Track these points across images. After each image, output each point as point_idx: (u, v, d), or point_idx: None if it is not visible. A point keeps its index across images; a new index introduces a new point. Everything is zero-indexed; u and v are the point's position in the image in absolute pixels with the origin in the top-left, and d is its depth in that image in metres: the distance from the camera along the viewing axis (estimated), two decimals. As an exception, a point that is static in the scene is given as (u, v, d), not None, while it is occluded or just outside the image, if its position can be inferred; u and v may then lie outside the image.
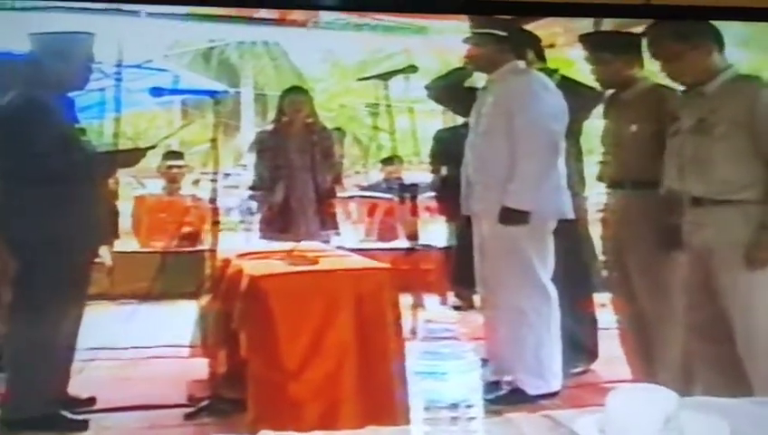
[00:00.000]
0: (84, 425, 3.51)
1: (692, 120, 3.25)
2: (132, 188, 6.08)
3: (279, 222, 4.98)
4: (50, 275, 3.39)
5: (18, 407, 3.39)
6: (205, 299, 3.96)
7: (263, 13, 5.39)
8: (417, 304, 4.31)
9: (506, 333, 3.87)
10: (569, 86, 4.01)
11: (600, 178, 3.92)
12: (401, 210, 5.27)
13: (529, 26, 4.23)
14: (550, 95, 3.85)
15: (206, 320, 3.88)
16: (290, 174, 4.99)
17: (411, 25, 5.93)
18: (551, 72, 4.07)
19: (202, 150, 5.81)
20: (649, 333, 3.62)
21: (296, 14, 5.37)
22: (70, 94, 3.72)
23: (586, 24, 4.01)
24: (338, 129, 5.90)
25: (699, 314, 3.23)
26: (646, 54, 3.56)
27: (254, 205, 5.29)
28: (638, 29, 3.57)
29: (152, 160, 5.52)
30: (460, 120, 4.59)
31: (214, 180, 4.22)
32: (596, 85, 3.89)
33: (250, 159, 5.43)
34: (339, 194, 5.51)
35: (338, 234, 5.19)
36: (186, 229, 5.54)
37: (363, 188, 6.55)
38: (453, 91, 4.38)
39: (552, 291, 3.85)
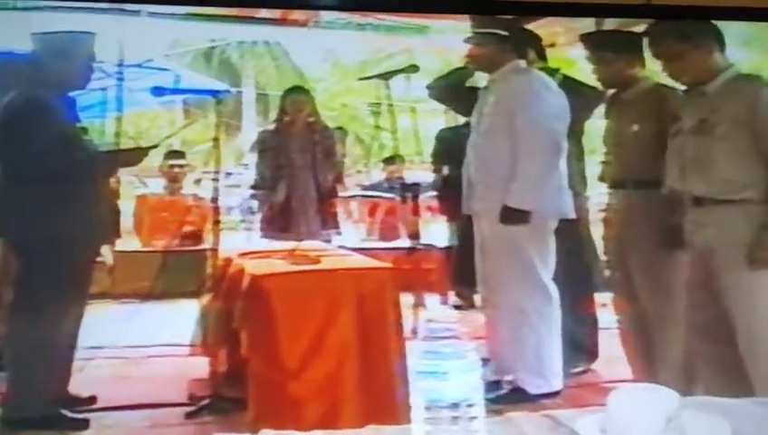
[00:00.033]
0: (85, 424, 3.51)
1: (693, 120, 3.25)
2: (134, 188, 6.09)
3: (280, 221, 4.98)
4: (51, 275, 3.39)
5: (19, 406, 3.39)
6: (206, 298, 3.96)
7: (264, 12, 5.40)
8: (419, 304, 4.32)
9: (507, 332, 3.86)
10: (570, 86, 4.01)
11: (601, 178, 3.92)
12: (403, 210, 5.28)
13: (530, 26, 4.23)
14: (551, 95, 3.85)
15: (208, 319, 3.89)
16: (291, 173, 5.00)
17: (412, 25, 5.93)
18: (552, 72, 4.07)
19: (204, 150, 5.82)
20: (651, 332, 3.62)
21: (297, 14, 5.37)
22: (71, 94, 3.72)
23: (587, 24, 4.02)
24: (339, 128, 5.92)
25: (701, 314, 3.23)
26: (647, 54, 3.56)
27: (255, 204, 5.29)
28: (640, 29, 3.57)
29: (154, 160, 5.52)
30: (462, 119, 4.59)
31: (215, 180, 4.23)
32: (597, 85, 3.89)
33: (252, 158, 5.44)
34: (340, 193, 5.53)
35: (339, 233, 5.20)
36: (187, 228, 5.55)
37: (365, 188, 6.56)
38: (454, 91, 4.38)
39: (554, 291, 3.85)
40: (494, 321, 3.94)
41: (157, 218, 5.85)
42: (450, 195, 4.58)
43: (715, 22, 3.22)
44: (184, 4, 4.35)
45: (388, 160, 6.14)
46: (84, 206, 3.56)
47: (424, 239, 4.81)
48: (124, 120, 5.85)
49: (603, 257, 4.03)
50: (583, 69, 4.05)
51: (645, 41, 3.49)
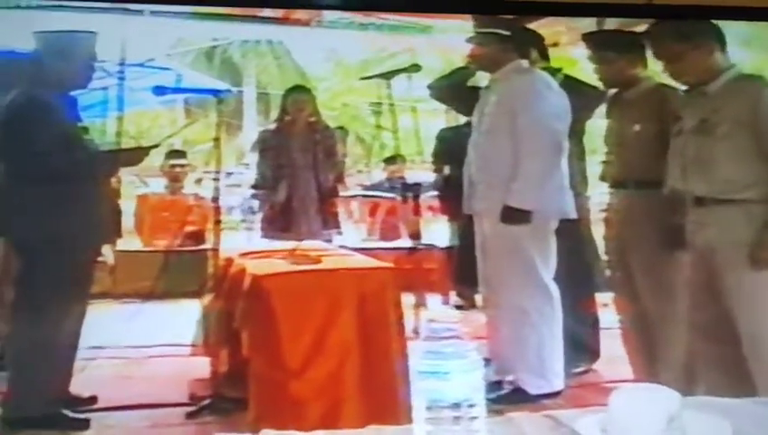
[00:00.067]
0: (86, 424, 3.51)
1: (695, 120, 3.25)
2: (135, 187, 6.10)
3: (281, 221, 4.98)
4: (52, 274, 3.39)
5: (20, 406, 3.39)
6: (207, 298, 3.96)
7: (266, 12, 5.40)
8: (420, 304, 4.31)
9: (508, 332, 3.86)
10: (572, 85, 4.01)
11: (602, 178, 3.92)
12: (404, 209, 5.28)
13: (532, 25, 4.22)
14: (553, 94, 3.85)
15: (209, 319, 3.88)
16: (292, 173, 5.00)
17: (415, 24, 5.93)
18: (554, 72, 4.07)
19: (205, 149, 5.82)
20: (652, 332, 3.62)
21: (299, 13, 5.37)
22: (73, 93, 3.72)
23: (589, 23, 4.02)
24: (341, 128, 5.92)
25: (702, 314, 3.23)
26: (649, 54, 3.56)
27: (255, 204, 5.30)
28: (641, 28, 3.57)
29: (155, 159, 5.53)
30: (463, 119, 4.59)
31: (216, 179, 4.22)
32: (599, 84, 3.89)
33: (252, 158, 5.44)
34: (341, 193, 5.53)
35: (340, 233, 5.20)
36: (189, 228, 5.55)
37: (366, 188, 6.56)
38: (456, 91, 4.38)
39: (555, 290, 3.84)
40: (496, 321, 3.94)
41: (158, 218, 5.86)
42: (451, 195, 4.58)
43: (715, 22, 3.22)
44: (187, 4, 4.35)
45: (390, 160, 6.15)
46: (85, 205, 3.56)
47: (425, 239, 4.81)
48: (125, 120, 5.86)
49: (604, 257, 4.03)
50: (585, 68, 4.05)
51: (647, 41, 3.49)
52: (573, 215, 3.88)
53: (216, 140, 4.32)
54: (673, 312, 3.44)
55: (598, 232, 4.07)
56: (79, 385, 3.64)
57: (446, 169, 5.09)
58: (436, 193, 5.35)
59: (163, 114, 7.02)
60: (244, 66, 7.61)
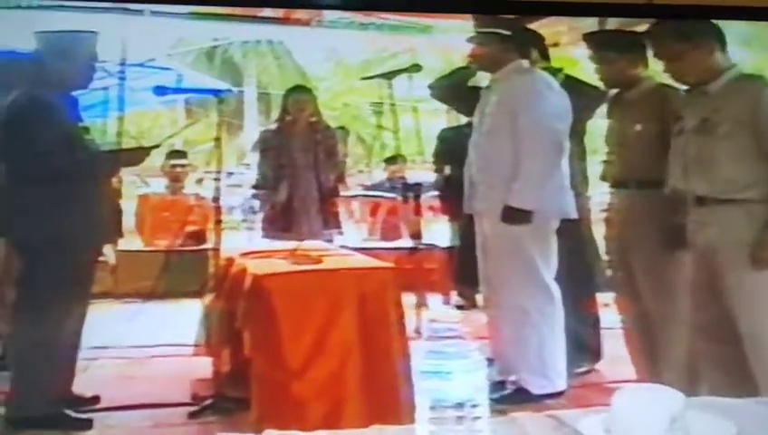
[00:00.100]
0: (88, 424, 3.51)
1: (695, 120, 3.25)
2: (136, 187, 6.09)
3: (282, 221, 4.98)
4: (53, 274, 3.39)
5: (22, 405, 3.40)
6: (208, 298, 3.96)
7: (266, 11, 5.40)
8: (421, 304, 4.32)
9: (509, 332, 3.86)
10: (573, 85, 4.01)
11: (603, 178, 3.92)
12: (404, 209, 5.28)
13: (533, 25, 4.22)
14: (554, 94, 3.85)
15: (210, 319, 3.88)
16: (293, 173, 5.00)
17: (415, 24, 5.93)
18: (555, 71, 4.07)
19: (205, 149, 5.83)
20: (654, 332, 3.62)
21: (300, 13, 5.37)
22: (73, 93, 3.72)
23: (590, 23, 4.02)
24: (341, 127, 5.92)
25: (704, 314, 3.23)
26: (650, 54, 3.56)
27: (256, 204, 5.29)
28: (641, 28, 3.57)
29: (156, 159, 5.53)
30: (464, 119, 4.59)
31: (217, 179, 4.23)
32: (600, 84, 3.89)
33: (253, 158, 5.44)
34: (342, 193, 5.52)
35: (341, 233, 5.19)
36: (190, 228, 5.55)
37: (366, 188, 6.55)
38: (457, 91, 4.38)
39: (556, 290, 3.84)
40: (497, 321, 3.94)
41: (159, 218, 5.86)
42: (452, 195, 4.58)
43: (715, 21, 3.22)
44: (187, 4, 4.35)
45: (390, 160, 6.14)
46: (86, 205, 3.56)
47: (426, 239, 4.81)
48: (126, 120, 5.86)
49: (605, 257, 4.03)
50: (586, 68, 4.05)
51: (648, 41, 3.49)
52: (574, 215, 3.88)
53: (217, 140, 4.32)
54: (674, 311, 3.44)
55: (599, 232, 4.07)
56: (81, 385, 3.64)
57: (447, 169, 5.09)
58: (436, 193, 5.35)
59: (164, 114, 7.02)
60: (244, 66, 7.60)
